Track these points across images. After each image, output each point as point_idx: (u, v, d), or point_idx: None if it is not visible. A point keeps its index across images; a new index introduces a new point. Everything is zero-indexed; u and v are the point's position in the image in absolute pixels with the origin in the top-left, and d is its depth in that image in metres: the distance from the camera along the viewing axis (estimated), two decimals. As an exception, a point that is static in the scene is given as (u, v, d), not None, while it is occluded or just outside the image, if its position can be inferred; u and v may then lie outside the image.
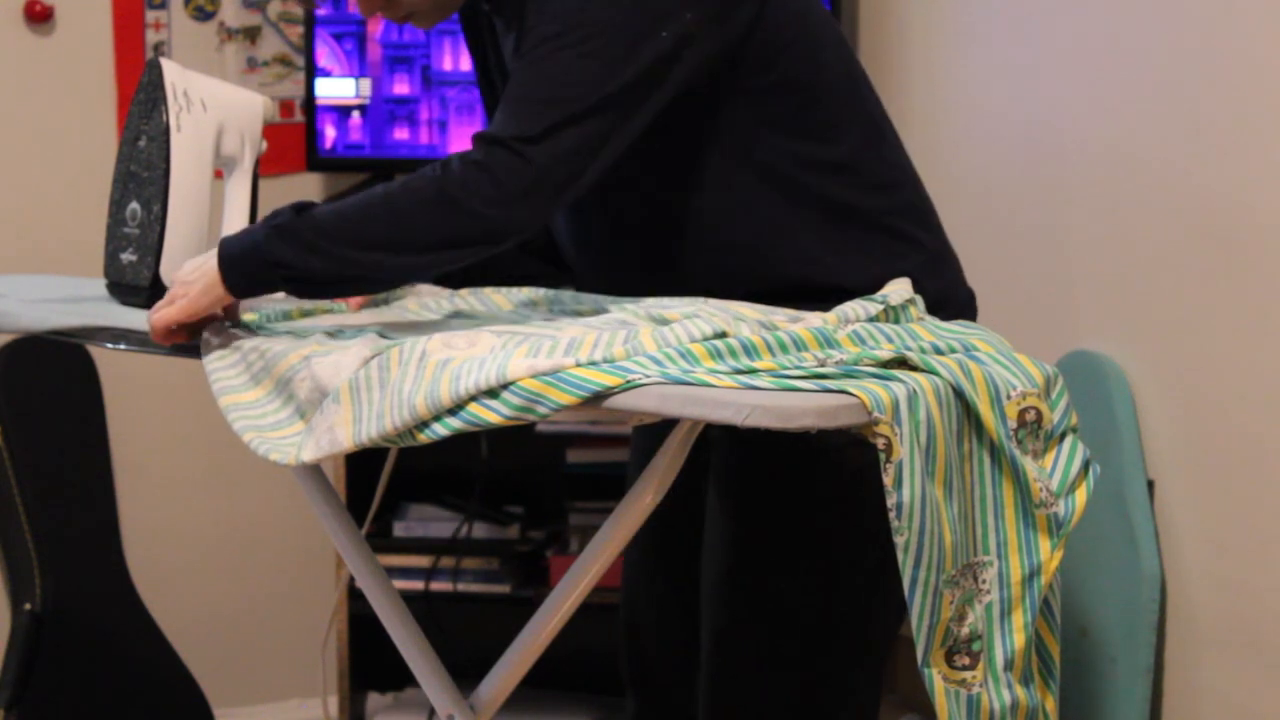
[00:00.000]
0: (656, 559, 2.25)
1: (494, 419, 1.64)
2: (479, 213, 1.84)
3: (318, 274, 1.87)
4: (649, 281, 2.02)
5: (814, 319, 1.83)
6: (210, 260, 1.92)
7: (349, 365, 1.73)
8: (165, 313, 1.92)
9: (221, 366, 1.85)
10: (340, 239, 1.86)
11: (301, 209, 1.89)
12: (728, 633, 2.05)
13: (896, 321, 1.88)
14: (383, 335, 1.85)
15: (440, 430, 1.66)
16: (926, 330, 1.85)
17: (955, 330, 1.88)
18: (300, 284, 1.90)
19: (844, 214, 2.02)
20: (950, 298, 2.06)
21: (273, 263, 1.87)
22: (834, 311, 1.85)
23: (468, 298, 2.14)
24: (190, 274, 1.93)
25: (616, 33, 1.88)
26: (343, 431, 1.70)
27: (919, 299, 1.96)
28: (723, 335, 1.72)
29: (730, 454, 2.05)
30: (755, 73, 1.98)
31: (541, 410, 1.63)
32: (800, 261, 2.00)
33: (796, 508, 2.01)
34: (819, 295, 1.96)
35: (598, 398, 1.62)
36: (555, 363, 1.65)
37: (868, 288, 1.96)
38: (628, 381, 1.62)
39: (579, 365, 1.65)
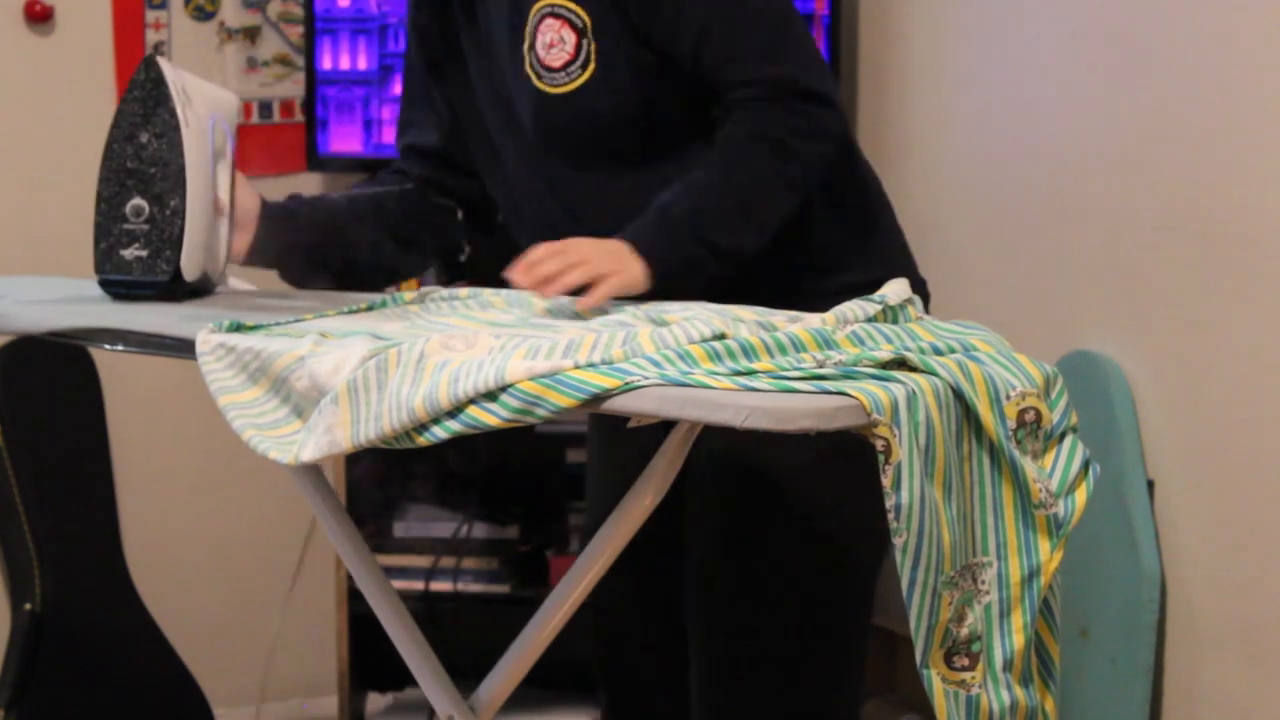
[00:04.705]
0: (633, 554, 2.27)
1: (493, 421, 1.63)
2: (816, 156, 2.06)
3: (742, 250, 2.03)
4: None
5: (812, 320, 1.82)
6: (605, 245, 2.00)
7: (348, 365, 1.73)
8: (608, 286, 1.97)
9: (218, 367, 1.85)
10: (729, 231, 2.03)
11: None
12: (728, 622, 2.08)
13: (895, 321, 1.88)
14: (377, 336, 1.85)
15: (439, 433, 1.65)
16: (925, 330, 1.85)
17: (954, 330, 1.88)
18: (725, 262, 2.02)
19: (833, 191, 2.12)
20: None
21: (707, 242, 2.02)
22: (832, 312, 1.85)
23: (466, 299, 2.14)
24: (572, 252, 1.98)
25: None
26: (341, 433, 1.70)
27: (917, 299, 1.96)
28: (721, 337, 1.72)
29: (722, 452, 2.07)
30: None
31: (540, 413, 1.63)
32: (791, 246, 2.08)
33: (797, 502, 2.03)
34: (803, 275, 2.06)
35: (596, 400, 1.62)
36: (554, 365, 1.64)
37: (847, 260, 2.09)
38: (626, 383, 1.62)
39: (577, 367, 1.65)
